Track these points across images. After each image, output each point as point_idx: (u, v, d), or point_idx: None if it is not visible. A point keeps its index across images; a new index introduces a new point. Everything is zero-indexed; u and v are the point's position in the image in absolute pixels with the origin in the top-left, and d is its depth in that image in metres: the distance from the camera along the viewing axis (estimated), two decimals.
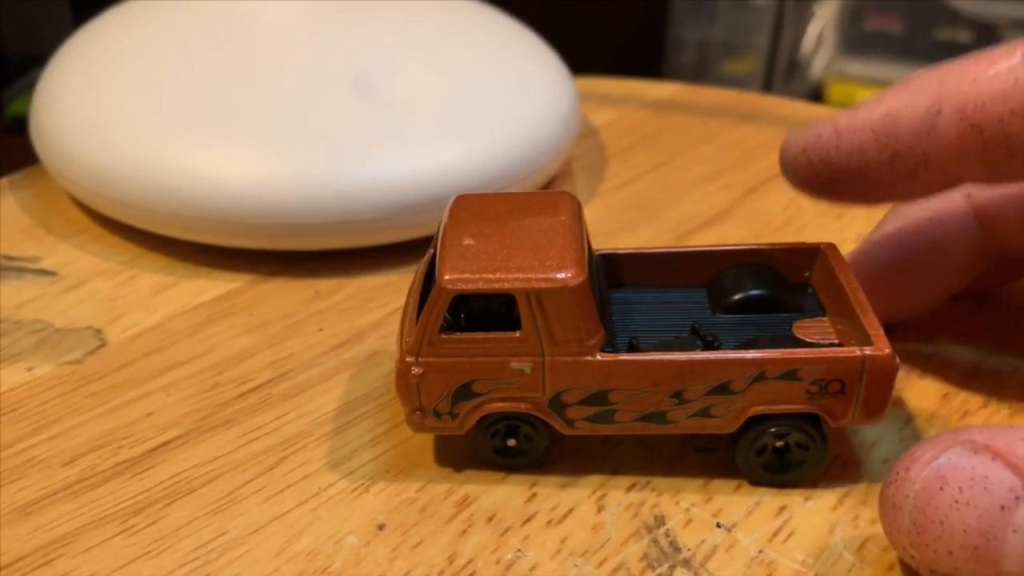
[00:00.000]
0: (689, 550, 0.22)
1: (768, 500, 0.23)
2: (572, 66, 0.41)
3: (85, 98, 0.34)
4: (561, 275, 0.22)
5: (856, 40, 1.14)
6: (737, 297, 0.25)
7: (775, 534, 0.23)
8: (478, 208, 0.24)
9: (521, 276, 0.22)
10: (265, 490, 0.24)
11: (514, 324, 0.22)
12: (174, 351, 0.28)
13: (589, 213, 0.36)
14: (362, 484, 0.24)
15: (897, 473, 0.20)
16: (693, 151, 0.40)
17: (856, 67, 1.14)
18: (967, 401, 0.27)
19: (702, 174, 0.39)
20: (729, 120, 0.43)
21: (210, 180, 0.31)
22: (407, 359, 0.23)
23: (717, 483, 0.24)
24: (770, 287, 0.25)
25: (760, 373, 0.22)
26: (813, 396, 0.23)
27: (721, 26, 1.11)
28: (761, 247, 0.26)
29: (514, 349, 0.22)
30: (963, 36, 1.10)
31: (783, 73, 1.11)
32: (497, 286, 0.22)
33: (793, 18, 1.10)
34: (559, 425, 0.23)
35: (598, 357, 0.22)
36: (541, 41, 0.39)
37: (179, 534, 0.23)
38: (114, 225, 0.34)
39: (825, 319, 0.25)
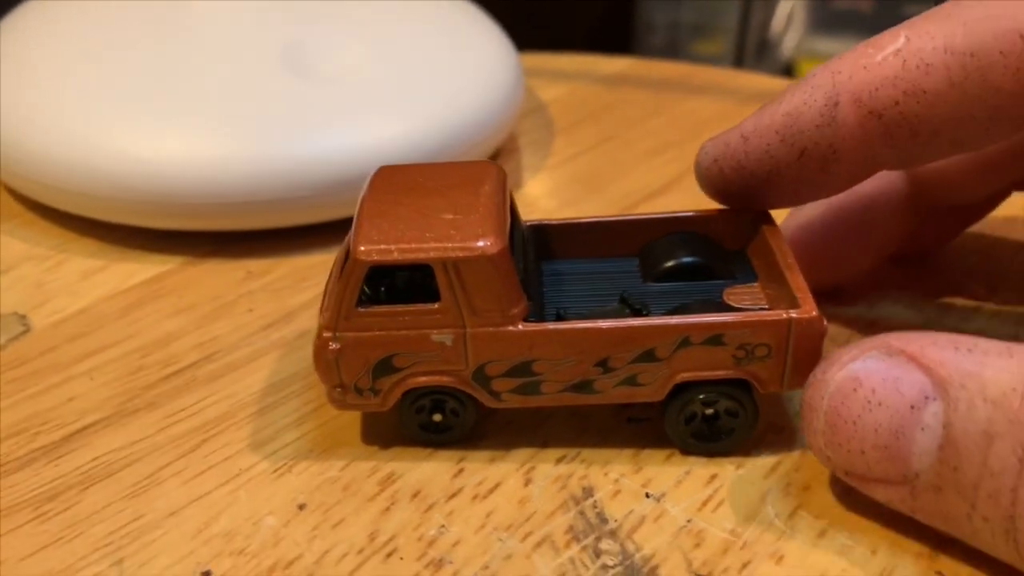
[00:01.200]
0: (616, 521, 0.22)
1: (699, 469, 0.23)
2: (541, 49, 0.40)
3: (11, 83, 0.33)
4: (479, 243, 0.21)
5: (826, 18, 1.14)
6: (668, 265, 0.25)
7: (705, 503, 0.22)
8: (399, 179, 0.24)
9: (437, 245, 0.21)
10: (185, 472, 0.23)
11: (434, 295, 0.22)
12: (99, 335, 0.28)
13: (534, 188, 0.36)
14: (284, 464, 0.23)
15: (815, 376, 0.21)
16: (641, 125, 0.40)
17: (826, 45, 1.13)
18: None
19: (649, 148, 0.38)
20: (679, 94, 0.42)
21: (139, 161, 0.30)
22: (324, 334, 0.22)
23: (648, 453, 0.23)
24: (701, 254, 0.25)
25: (684, 339, 0.22)
26: (740, 361, 0.22)
27: (690, 7, 1.11)
28: (693, 214, 0.26)
29: (434, 321, 0.22)
30: None
31: (754, 53, 1.11)
32: (412, 256, 0.21)
33: None
34: (485, 398, 0.23)
35: (520, 327, 0.22)
36: (483, 14, 0.39)
37: (93, 519, 0.22)
38: (45, 210, 0.33)
39: (756, 285, 0.24)
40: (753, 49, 1.10)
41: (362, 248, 0.21)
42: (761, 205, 0.24)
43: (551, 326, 0.22)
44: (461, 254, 0.21)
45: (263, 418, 0.25)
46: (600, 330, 0.22)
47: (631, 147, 0.38)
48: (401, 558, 0.21)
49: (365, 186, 0.24)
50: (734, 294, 0.24)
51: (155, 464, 0.23)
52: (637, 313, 0.23)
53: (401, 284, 0.22)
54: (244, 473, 0.23)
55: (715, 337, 0.22)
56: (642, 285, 0.25)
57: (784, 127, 0.22)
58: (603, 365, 0.22)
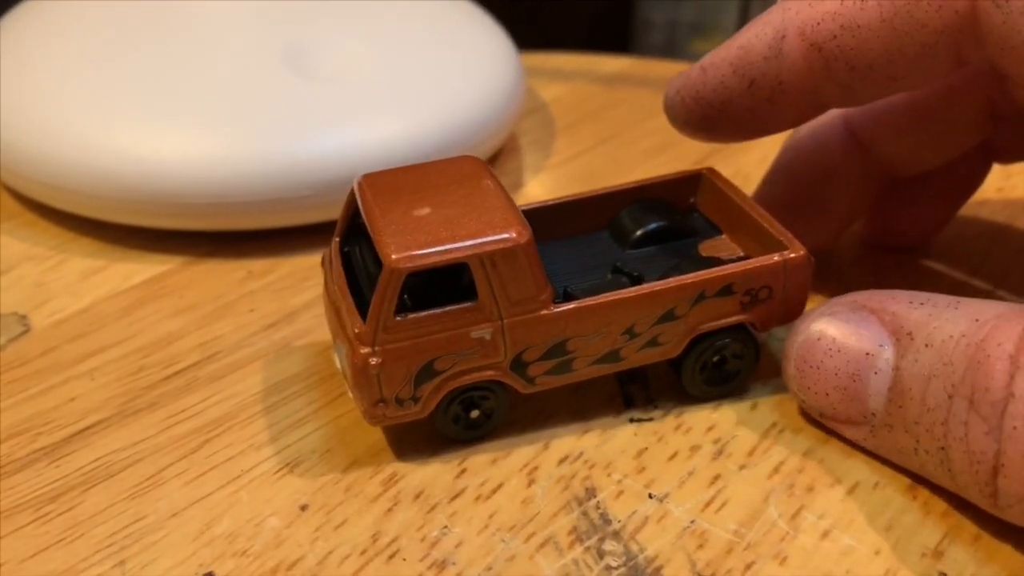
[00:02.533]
0: (619, 522, 0.22)
1: (702, 469, 0.23)
2: (538, 48, 0.40)
3: (11, 82, 0.33)
4: (508, 234, 0.21)
5: None
6: (640, 232, 0.26)
7: (708, 504, 0.22)
8: (393, 184, 0.23)
9: (471, 243, 0.21)
10: (186, 473, 0.23)
11: (465, 292, 0.22)
12: (100, 335, 0.28)
13: (534, 188, 0.36)
14: (287, 465, 0.23)
15: (791, 329, 0.23)
16: (642, 124, 0.40)
17: None
18: None
19: (650, 147, 0.38)
20: None
21: (140, 160, 0.30)
22: (362, 351, 0.21)
23: (650, 454, 0.23)
24: (666, 217, 0.26)
25: (700, 294, 0.23)
26: (745, 306, 0.24)
27: (689, 6, 1.11)
28: (646, 182, 0.27)
29: (473, 318, 0.22)
30: None
31: None
32: (449, 257, 0.21)
33: None
34: (520, 385, 0.23)
35: (553, 309, 0.22)
36: (484, 13, 0.39)
37: (95, 520, 0.22)
38: (45, 210, 0.33)
39: (723, 237, 0.26)
40: None
41: (395, 256, 0.21)
42: (716, 134, 0.26)
43: (584, 303, 0.22)
44: (496, 247, 0.21)
45: (265, 419, 0.25)
46: (629, 298, 0.23)
47: (632, 146, 0.38)
48: (404, 559, 0.21)
49: (358, 196, 0.23)
50: (709, 247, 0.26)
51: (157, 465, 0.23)
52: (636, 280, 0.24)
53: (418, 286, 0.22)
54: (246, 474, 0.23)
55: (726, 287, 0.23)
56: (623, 254, 0.26)
57: (736, 59, 0.24)
58: (629, 332, 0.23)
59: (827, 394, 0.22)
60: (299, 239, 0.31)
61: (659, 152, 0.37)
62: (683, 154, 0.37)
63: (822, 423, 0.23)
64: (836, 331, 0.22)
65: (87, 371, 0.26)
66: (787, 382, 0.23)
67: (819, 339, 0.22)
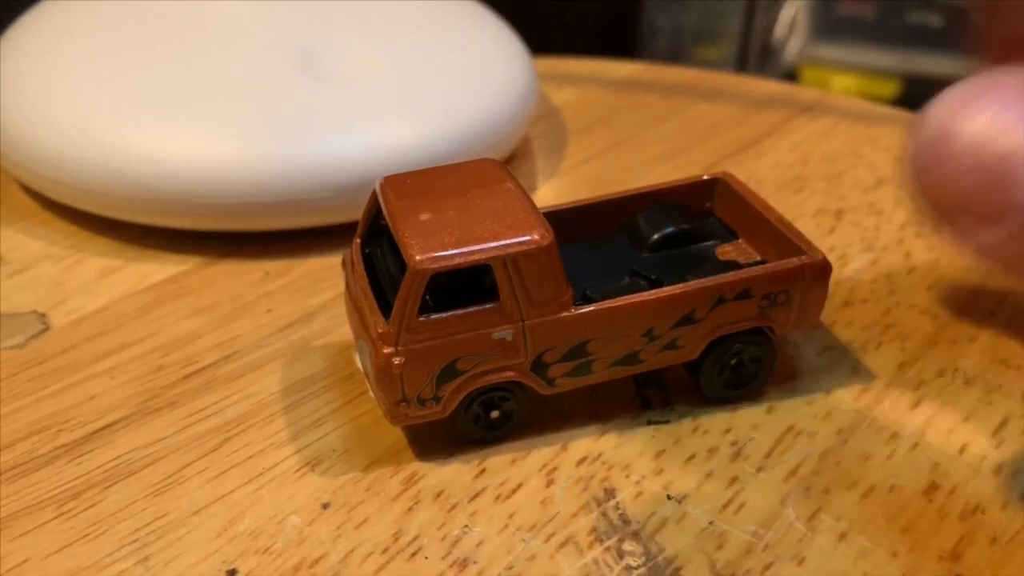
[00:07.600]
0: (639, 522, 0.22)
1: (720, 471, 0.23)
2: (545, 53, 0.40)
3: (29, 81, 0.33)
4: (531, 236, 0.22)
5: (829, 25, 1.14)
6: (658, 236, 0.26)
7: (726, 505, 0.22)
8: (415, 186, 0.24)
9: (495, 244, 0.21)
10: (207, 471, 0.23)
11: (487, 293, 0.22)
12: (119, 334, 0.28)
13: (547, 192, 0.36)
14: (307, 464, 0.23)
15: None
16: (653, 129, 0.40)
17: (830, 52, 1.13)
18: (922, 371, 0.26)
19: (662, 152, 0.38)
20: (690, 98, 0.42)
21: (157, 160, 0.30)
22: (385, 351, 0.22)
23: (668, 455, 0.24)
24: (683, 221, 0.26)
25: (719, 297, 0.23)
26: (763, 310, 0.24)
27: (694, 12, 1.11)
28: (664, 186, 0.27)
29: (495, 319, 0.22)
30: (935, 20, 1.10)
31: (756, 59, 1.11)
32: (473, 258, 0.21)
33: (766, 3, 1.09)
34: (540, 386, 0.23)
35: (574, 311, 0.22)
36: (497, 18, 0.39)
37: (117, 517, 0.22)
38: (62, 209, 0.33)
39: (740, 241, 0.26)
40: (756, 54, 1.10)
41: (418, 257, 0.21)
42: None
43: (605, 305, 0.23)
44: (519, 249, 0.21)
45: (284, 418, 0.25)
46: (650, 301, 0.23)
47: (643, 151, 0.38)
48: (426, 557, 0.21)
49: (380, 198, 0.23)
50: (726, 252, 0.26)
51: (177, 463, 0.24)
52: (654, 284, 0.24)
53: (438, 287, 0.22)
54: (267, 472, 0.23)
55: (745, 291, 0.23)
56: (640, 258, 0.26)
57: None
58: (649, 335, 0.23)
59: (959, 179, 0.17)
60: (316, 240, 0.32)
61: (670, 157, 0.38)
62: (694, 159, 0.37)
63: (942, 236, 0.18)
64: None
65: (106, 369, 0.26)
66: (907, 175, 0.18)
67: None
